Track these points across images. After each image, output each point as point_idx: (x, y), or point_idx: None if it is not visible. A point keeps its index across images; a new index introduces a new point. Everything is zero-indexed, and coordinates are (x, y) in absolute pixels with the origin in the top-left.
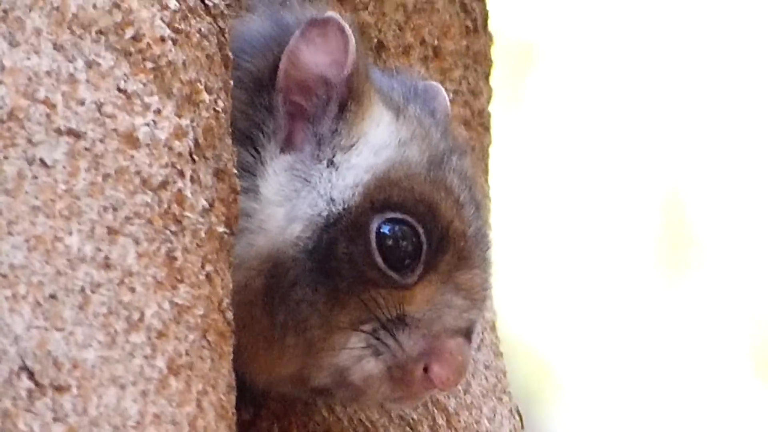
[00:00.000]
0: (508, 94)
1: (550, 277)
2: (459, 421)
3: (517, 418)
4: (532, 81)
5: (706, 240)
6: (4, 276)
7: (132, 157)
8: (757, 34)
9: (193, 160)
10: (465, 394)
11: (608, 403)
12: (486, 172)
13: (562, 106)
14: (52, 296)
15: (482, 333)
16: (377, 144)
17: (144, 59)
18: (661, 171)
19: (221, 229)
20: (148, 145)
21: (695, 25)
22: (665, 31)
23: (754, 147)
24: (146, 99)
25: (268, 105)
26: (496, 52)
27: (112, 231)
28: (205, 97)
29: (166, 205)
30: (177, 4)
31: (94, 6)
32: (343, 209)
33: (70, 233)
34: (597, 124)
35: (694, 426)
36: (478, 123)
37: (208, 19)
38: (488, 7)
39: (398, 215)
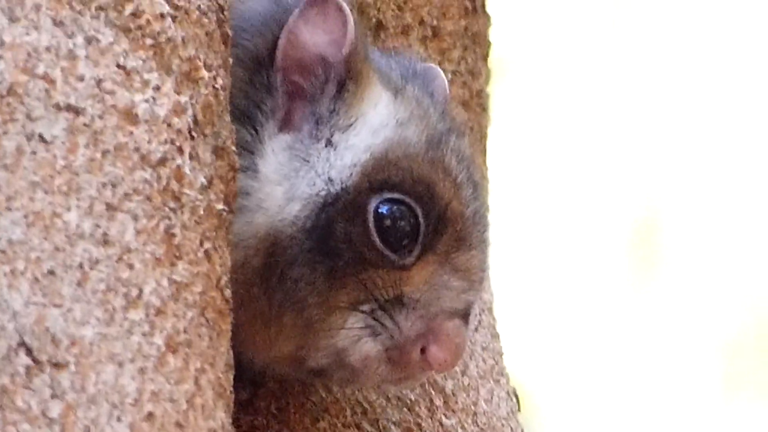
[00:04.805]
0: None
1: (520, 295)
2: (456, 403)
3: (515, 400)
4: (502, 95)
5: (675, 254)
6: (3, 252)
7: (131, 133)
8: (733, 57)
9: (192, 137)
10: (462, 376)
11: (580, 416)
12: (484, 152)
13: (533, 120)
14: (51, 272)
15: (480, 314)
16: (375, 124)
17: (143, 36)
18: (633, 183)
19: (220, 206)
20: (147, 121)
21: (669, 43)
22: (639, 46)
23: (727, 160)
24: (145, 75)
25: (267, 84)
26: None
27: (110, 207)
28: (204, 74)
29: (164, 182)
30: None
31: None
32: (341, 189)
33: (69, 209)
34: (567, 138)
35: None
36: (477, 103)
37: None
38: None
39: (396, 195)
